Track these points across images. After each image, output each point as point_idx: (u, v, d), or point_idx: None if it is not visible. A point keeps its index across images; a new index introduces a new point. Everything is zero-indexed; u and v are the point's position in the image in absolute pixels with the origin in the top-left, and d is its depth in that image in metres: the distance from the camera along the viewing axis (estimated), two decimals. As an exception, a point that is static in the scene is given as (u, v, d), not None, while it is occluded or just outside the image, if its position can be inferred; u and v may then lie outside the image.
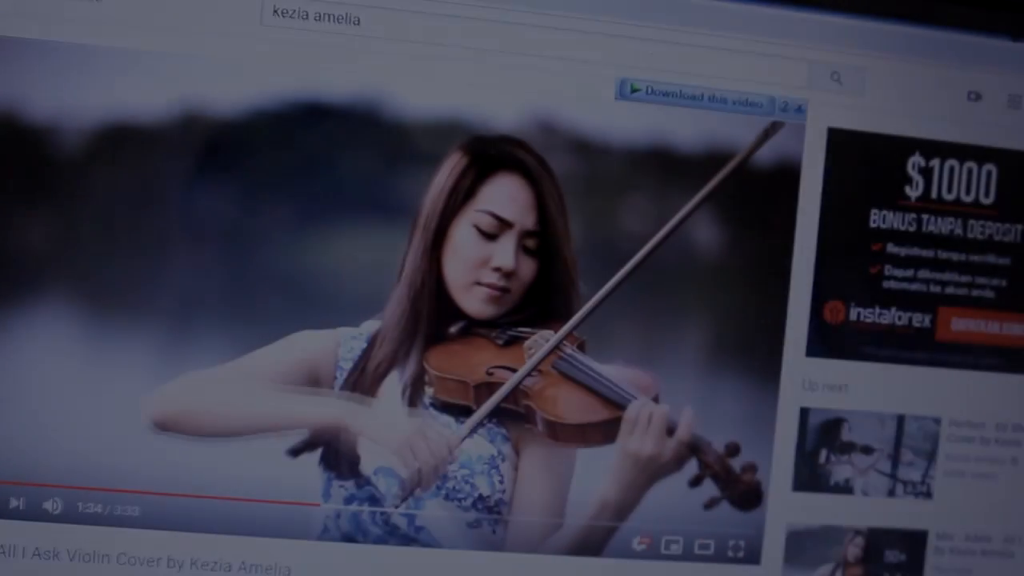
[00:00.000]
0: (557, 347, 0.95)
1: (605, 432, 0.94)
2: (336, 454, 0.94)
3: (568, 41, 0.95)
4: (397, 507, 0.94)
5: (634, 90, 0.96)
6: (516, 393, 0.94)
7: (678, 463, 0.94)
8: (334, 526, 0.95)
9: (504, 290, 0.95)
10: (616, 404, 0.94)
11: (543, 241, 0.96)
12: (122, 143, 0.91)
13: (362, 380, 0.95)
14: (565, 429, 0.93)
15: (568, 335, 0.96)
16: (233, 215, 0.92)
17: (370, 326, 0.96)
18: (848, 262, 1.00)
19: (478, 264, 0.95)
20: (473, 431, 0.94)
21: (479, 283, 0.95)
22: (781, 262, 0.99)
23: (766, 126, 0.96)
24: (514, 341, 0.96)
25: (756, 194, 0.98)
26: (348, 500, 0.95)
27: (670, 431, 0.93)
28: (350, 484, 0.95)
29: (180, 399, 0.92)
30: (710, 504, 0.96)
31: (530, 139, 0.95)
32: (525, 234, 0.96)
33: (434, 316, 0.96)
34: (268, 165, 0.92)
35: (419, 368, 0.95)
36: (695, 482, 0.94)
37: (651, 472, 0.93)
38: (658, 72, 0.96)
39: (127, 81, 0.90)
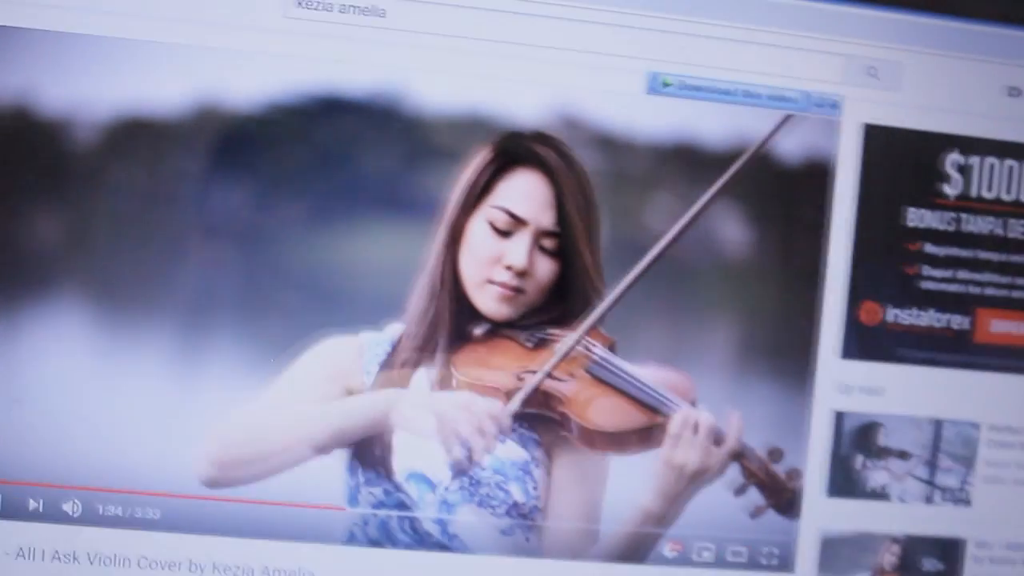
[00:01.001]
0: (588, 350, 0.94)
1: (642, 439, 0.93)
2: (370, 452, 0.93)
3: (597, 34, 0.94)
4: (447, 489, 0.93)
5: (665, 84, 0.95)
6: (551, 399, 0.93)
7: (721, 470, 0.92)
8: (361, 532, 0.94)
9: (517, 290, 0.94)
10: (653, 409, 0.93)
11: (563, 242, 0.94)
12: (138, 138, 0.90)
13: (389, 383, 0.94)
14: (601, 437, 0.92)
15: (598, 336, 0.94)
16: (251, 212, 0.91)
17: (393, 329, 0.95)
18: (884, 262, 0.98)
19: (491, 262, 0.94)
20: (521, 405, 0.92)
21: (491, 281, 0.94)
22: (814, 261, 0.97)
23: (780, 119, 0.95)
24: (544, 344, 0.94)
25: (788, 191, 0.97)
26: (376, 507, 0.94)
27: (716, 440, 0.92)
28: (379, 491, 0.94)
29: (225, 454, 0.91)
30: (757, 512, 0.95)
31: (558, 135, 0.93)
32: (541, 233, 0.94)
33: (453, 315, 0.94)
34: (287, 161, 0.91)
35: (446, 370, 0.94)
36: (740, 491, 0.93)
37: (697, 483, 0.92)
38: (690, 66, 0.95)
39: (144, 74, 0.89)
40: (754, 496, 0.94)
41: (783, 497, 0.94)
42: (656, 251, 0.93)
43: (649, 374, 0.94)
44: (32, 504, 0.91)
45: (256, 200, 0.91)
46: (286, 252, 0.91)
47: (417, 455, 0.93)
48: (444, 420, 0.91)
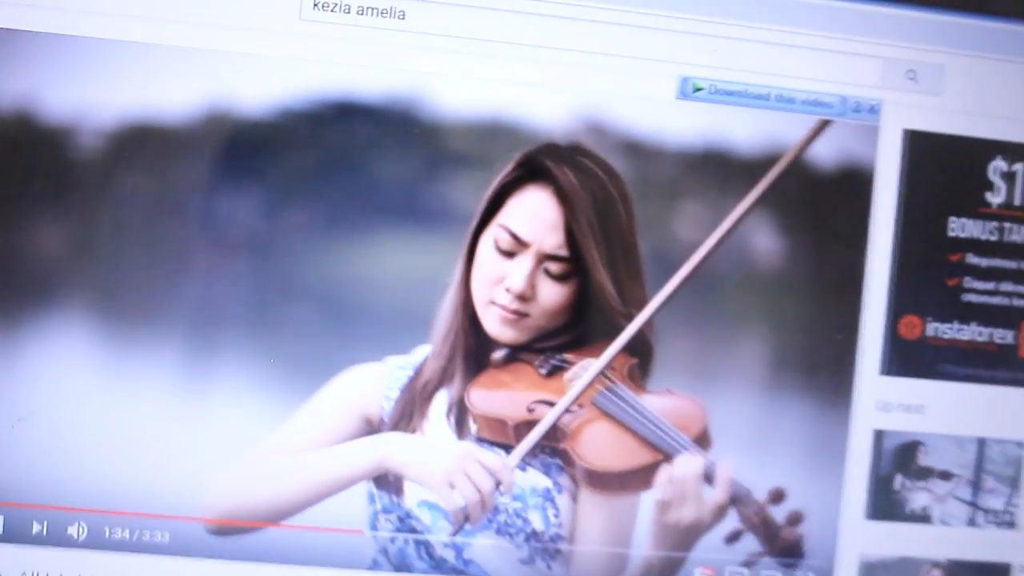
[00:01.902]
0: (605, 376, 0.92)
1: (643, 479, 0.90)
2: (384, 478, 0.92)
3: (625, 37, 0.92)
4: (446, 543, 0.91)
5: (696, 89, 0.93)
6: (556, 431, 0.90)
7: (716, 520, 0.90)
8: (383, 558, 0.92)
9: (518, 313, 0.91)
10: (656, 448, 0.90)
11: (573, 266, 0.91)
12: (146, 145, 0.89)
13: (409, 405, 0.92)
14: (599, 476, 0.90)
15: (618, 358, 0.92)
16: (264, 223, 0.90)
17: (421, 352, 0.93)
18: (925, 274, 0.97)
19: (493, 282, 0.91)
20: (523, 461, 0.90)
21: (493, 303, 0.91)
22: (853, 273, 0.95)
23: (816, 124, 0.93)
24: (556, 371, 0.92)
25: (825, 200, 0.95)
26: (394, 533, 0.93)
27: (708, 478, 0.89)
28: (394, 517, 0.92)
29: (227, 499, 0.90)
30: (749, 562, 0.93)
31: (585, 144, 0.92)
32: (545, 257, 0.91)
33: (469, 337, 0.92)
34: (301, 170, 0.90)
35: (462, 397, 0.92)
36: (732, 538, 0.90)
37: (694, 535, 0.90)
38: (722, 70, 0.93)
39: (152, 79, 0.88)
40: (750, 543, 0.91)
41: (776, 545, 0.91)
42: (684, 273, 0.91)
43: (658, 403, 0.91)
44: (36, 527, 0.90)
45: (269, 210, 0.90)
46: (302, 266, 0.90)
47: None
48: (440, 472, 0.89)
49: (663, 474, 0.89)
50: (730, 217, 0.91)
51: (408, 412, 0.92)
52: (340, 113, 0.90)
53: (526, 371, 0.92)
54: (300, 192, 0.90)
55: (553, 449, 0.90)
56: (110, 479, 0.89)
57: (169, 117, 0.88)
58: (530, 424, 0.90)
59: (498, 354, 0.93)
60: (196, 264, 0.90)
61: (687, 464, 0.89)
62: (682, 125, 0.93)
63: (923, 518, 0.98)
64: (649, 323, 0.91)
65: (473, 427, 0.92)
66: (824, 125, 0.92)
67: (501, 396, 0.91)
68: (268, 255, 0.90)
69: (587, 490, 0.90)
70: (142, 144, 0.88)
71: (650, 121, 0.93)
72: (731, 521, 0.90)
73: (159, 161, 0.89)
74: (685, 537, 0.89)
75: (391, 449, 0.90)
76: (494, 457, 0.90)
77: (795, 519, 0.91)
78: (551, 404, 0.90)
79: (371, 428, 0.92)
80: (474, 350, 0.92)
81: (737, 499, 0.89)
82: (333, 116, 0.90)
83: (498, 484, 0.89)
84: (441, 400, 0.92)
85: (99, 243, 0.89)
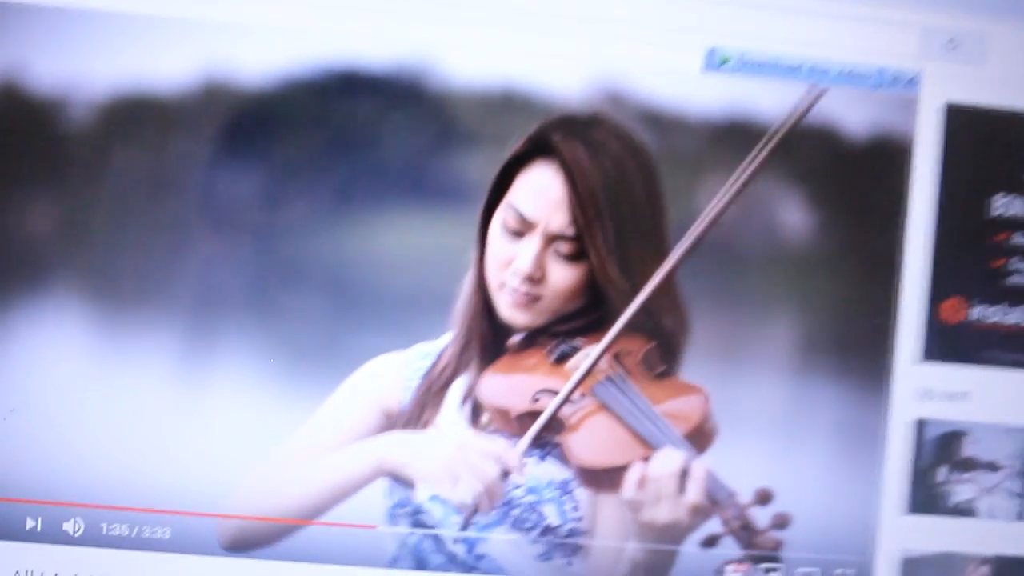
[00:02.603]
0: (602, 366, 0.89)
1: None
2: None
3: (648, 5, 0.90)
4: (456, 538, 0.90)
5: (723, 61, 0.91)
6: (556, 423, 0.88)
7: (698, 518, 0.86)
8: (405, 554, 0.91)
9: (530, 296, 0.89)
10: (647, 443, 0.87)
11: (580, 246, 0.88)
12: (140, 119, 0.87)
13: (425, 395, 0.91)
14: (585, 472, 0.87)
15: (633, 343, 0.90)
16: (266, 202, 0.89)
17: (447, 339, 0.92)
18: (967, 254, 0.95)
19: (503, 264, 0.89)
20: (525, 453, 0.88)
21: (504, 285, 0.89)
22: (891, 254, 0.94)
23: (814, 92, 0.90)
24: (565, 358, 0.90)
25: (859, 176, 0.93)
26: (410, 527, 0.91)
27: (683, 489, 0.85)
28: (408, 511, 0.90)
29: (239, 524, 0.90)
30: (720, 572, 0.92)
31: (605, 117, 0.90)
32: (553, 237, 0.88)
33: (484, 321, 0.90)
34: (303, 145, 0.88)
35: (474, 385, 0.91)
36: (708, 543, 0.86)
37: (674, 535, 0.86)
38: (751, 40, 0.92)
39: (146, 50, 0.87)
40: (730, 547, 0.87)
41: (755, 550, 0.87)
42: (673, 260, 0.88)
43: (660, 393, 0.89)
44: (30, 523, 0.89)
45: (271, 188, 0.89)
46: (306, 247, 0.89)
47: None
48: (439, 466, 0.88)
49: (635, 472, 0.85)
50: (725, 190, 0.88)
51: (424, 402, 0.91)
52: (345, 85, 0.88)
53: (537, 358, 0.90)
54: (304, 169, 0.89)
55: (552, 442, 0.88)
56: (108, 472, 0.88)
57: (165, 90, 0.87)
58: (534, 415, 0.88)
59: (515, 339, 0.91)
60: (195, 246, 0.89)
61: (663, 462, 0.85)
62: (707, 99, 0.91)
63: (968, 512, 0.96)
64: (675, 304, 0.90)
65: (485, 417, 0.90)
66: (820, 95, 0.90)
67: (509, 384, 0.89)
68: (270, 236, 0.89)
69: (581, 486, 0.88)
70: (137, 118, 0.87)
71: (673, 93, 0.91)
72: (714, 523, 0.87)
73: (155, 136, 0.88)
74: (665, 537, 0.86)
75: (389, 450, 0.88)
76: (496, 444, 0.88)
77: (781, 522, 0.86)
78: (556, 393, 0.88)
79: (390, 422, 0.91)
80: (490, 335, 0.91)
81: (715, 500, 0.85)
82: (338, 88, 0.88)
83: (506, 472, 0.87)
84: (457, 389, 0.91)
85: (93, 224, 0.88)
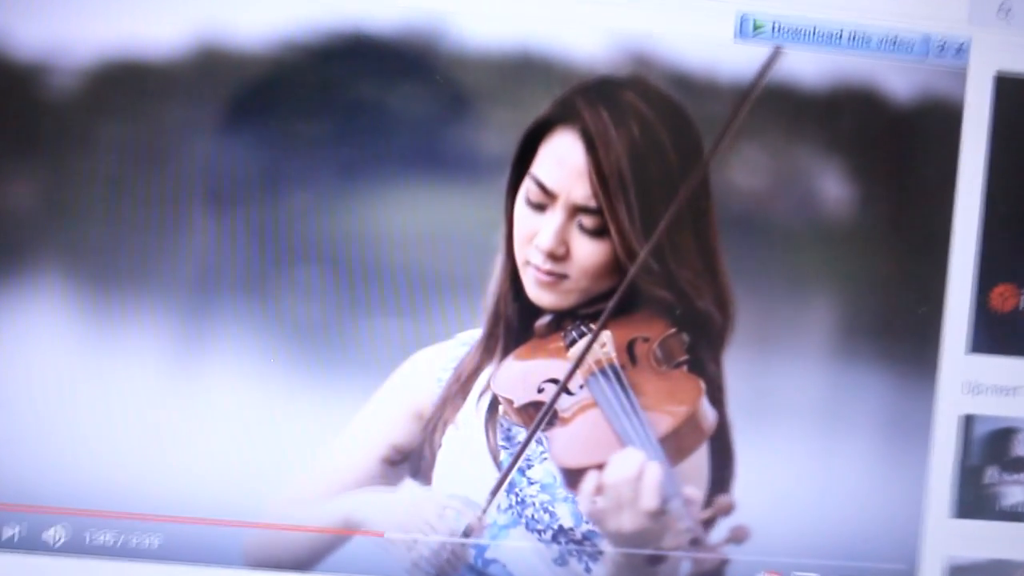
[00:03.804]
0: (604, 356, 0.86)
1: None
2: (421, 468, 0.89)
3: None
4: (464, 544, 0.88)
5: (757, 28, 0.89)
6: (555, 417, 0.86)
7: (662, 524, 0.82)
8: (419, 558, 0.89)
9: (554, 275, 0.86)
10: (624, 444, 0.84)
11: (603, 219, 0.86)
12: (128, 87, 0.85)
13: (452, 387, 0.89)
14: (565, 473, 0.84)
15: (651, 328, 0.87)
16: (266, 175, 0.86)
17: None
18: (1020, 237, 0.93)
19: (527, 240, 0.87)
20: (489, 504, 0.86)
21: (528, 263, 0.87)
22: (937, 239, 0.92)
23: (770, 51, 0.87)
24: (574, 344, 0.87)
25: (903, 152, 0.91)
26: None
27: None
28: None
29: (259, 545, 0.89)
30: None
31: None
32: (577, 209, 0.85)
33: (511, 302, 0.88)
34: (304, 113, 0.86)
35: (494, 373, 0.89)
36: (655, 561, 0.84)
37: (647, 542, 0.83)
38: (786, 5, 0.89)
39: (134, 12, 0.85)
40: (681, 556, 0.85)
41: (700, 565, 0.86)
42: (657, 234, 0.85)
43: (651, 387, 0.85)
44: (7, 531, 0.87)
45: (270, 161, 0.86)
46: (308, 223, 0.87)
47: (456, 477, 0.88)
48: (400, 523, 0.88)
49: (590, 480, 0.83)
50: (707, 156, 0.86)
51: (447, 398, 0.89)
52: (350, 49, 0.86)
53: (555, 342, 0.88)
54: (306, 140, 0.87)
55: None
56: (92, 474, 0.87)
57: (156, 55, 0.86)
58: (537, 407, 0.86)
59: (541, 321, 0.88)
60: (189, 224, 0.87)
61: (619, 466, 0.82)
62: (738, 68, 0.89)
63: (1019, 516, 0.95)
64: (715, 286, 0.87)
65: (501, 409, 0.88)
66: (775, 54, 0.87)
67: (522, 372, 0.87)
68: (270, 212, 0.87)
69: (565, 487, 0.86)
70: (126, 86, 0.86)
71: (701, 64, 0.89)
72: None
73: (145, 105, 0.86)
74: (644, 545, 0.83)
75: (356, 507, 0.87)
76: (458, 501, 0.87)
77: (738, 536, 0.82)
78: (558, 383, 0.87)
79: (421, 423, 0.89)
80: (517, 320, 0.88)
81: (667, 507, 0.81)
82: (342, 53, 0.86)
83: (467, 532, 0.86)
84: (483, 380, 0.89)
85: (78, 200, 0.86)
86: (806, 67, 0.90)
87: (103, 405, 0.86)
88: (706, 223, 0.87)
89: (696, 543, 0.81)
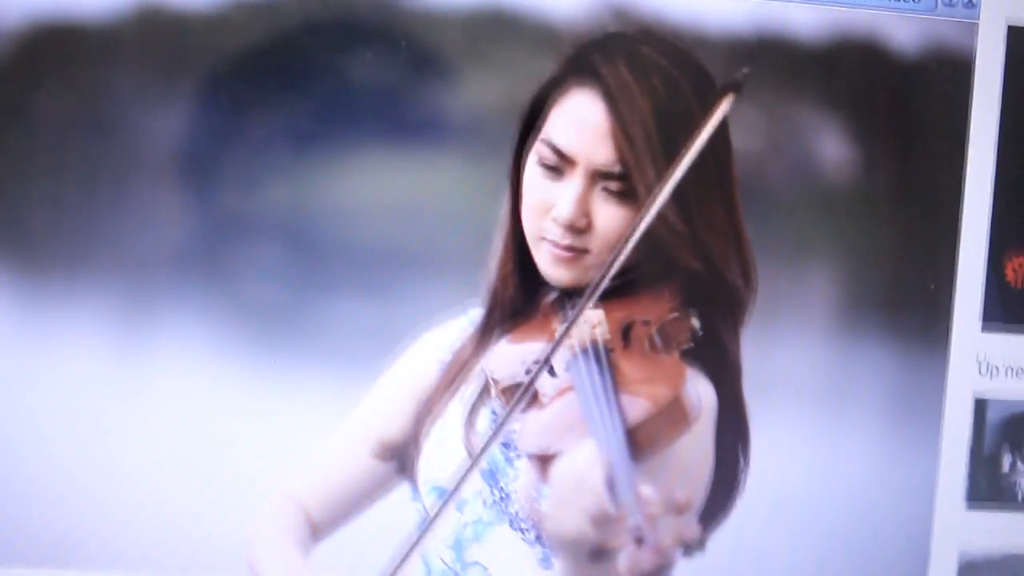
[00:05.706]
0: (587, 335, 0.81)
1: None
2: (410, 459, 0.86)
3: None
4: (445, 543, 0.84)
5: None
6: (535, 399, 0.81)
7: (611, 531, 0.75)
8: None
9: (574, 250, 0.82)
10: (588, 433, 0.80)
11: (632, 184, 0.80)
12: (61, 52, 0.83)
13: (448, 373, 0.85)
14: (532, 462, 0.79)
15: (655, 305, 0.82)
16: (214, 143, 0.83)
17: None
18: None
19: (541, 212, 0.82)
20: (460, 483, 0.80)
21: (544, 238, 0.82)
22: (947, 204, 0.90)
23: (735, 78, 0.81)
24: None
25: (911, 110, 0.90)
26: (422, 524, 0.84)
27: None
28: (420, 506, 0.86)
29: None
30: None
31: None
32: (599, 175, 0.81)
33: (515, 281, 0.84)
34: (254, 77, 0.83)
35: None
36: (595, 555, 0.74)
37: (585, 548, 0.75)
38: None
39: None
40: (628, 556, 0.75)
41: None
42: (654, 208, 0.79)
43: (632, 375, 0.80)
44: None
45: (218, 128, 0.83)
46: (262, 194, 0.84)
47: (441, 465, 0.84)
48: None
49: (535, 472, 0.79)
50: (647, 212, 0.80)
51: (444, 383, 0.85)
52: (304, 5, 0.84)
53: (553, 321, 0.84)
54: (258, 104, 0.84)
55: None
56: (27, 483, 0.83)
57: (92, 16, 0.83)
58: (518, 389, 0.82)
59: (548, 298, 0.84)
60: (132, 197, 0.84)
61: (570, 461, 0.76)
62: (726, 16, 0.87)
63: None
64: (737, 255, 0.83)
65: (493, 391, 0.84)
66: (736, 84, 0.81)
67: (513, 352, 0.82)
68: (220, 183, 0.84)
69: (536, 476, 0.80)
70: (59, 51, 0.83)
71: (689, 11, 0.86)
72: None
73: (81, 71, 0.83)
74: (578, 551, 0.75)
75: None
76: None
77: (693, 544, 0.75)
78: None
79: (420, 410, 0.86)
80: (521, 301, 0.85)
81: (617, 507, 0.73)
82: (296, 8, 0.84)
83: None
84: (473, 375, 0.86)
85: (8, 173, 0.83)
86: (804, 19, 0.88)
87: (39, 399, 0.83)
88: (730, 187, 0.83)
89: (642, 543, 0.73)
